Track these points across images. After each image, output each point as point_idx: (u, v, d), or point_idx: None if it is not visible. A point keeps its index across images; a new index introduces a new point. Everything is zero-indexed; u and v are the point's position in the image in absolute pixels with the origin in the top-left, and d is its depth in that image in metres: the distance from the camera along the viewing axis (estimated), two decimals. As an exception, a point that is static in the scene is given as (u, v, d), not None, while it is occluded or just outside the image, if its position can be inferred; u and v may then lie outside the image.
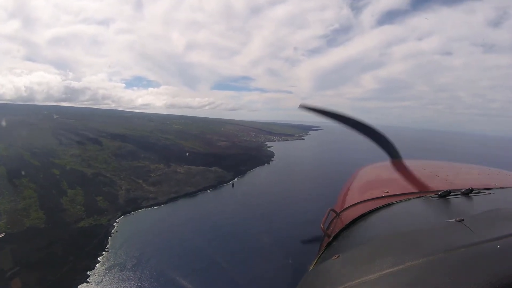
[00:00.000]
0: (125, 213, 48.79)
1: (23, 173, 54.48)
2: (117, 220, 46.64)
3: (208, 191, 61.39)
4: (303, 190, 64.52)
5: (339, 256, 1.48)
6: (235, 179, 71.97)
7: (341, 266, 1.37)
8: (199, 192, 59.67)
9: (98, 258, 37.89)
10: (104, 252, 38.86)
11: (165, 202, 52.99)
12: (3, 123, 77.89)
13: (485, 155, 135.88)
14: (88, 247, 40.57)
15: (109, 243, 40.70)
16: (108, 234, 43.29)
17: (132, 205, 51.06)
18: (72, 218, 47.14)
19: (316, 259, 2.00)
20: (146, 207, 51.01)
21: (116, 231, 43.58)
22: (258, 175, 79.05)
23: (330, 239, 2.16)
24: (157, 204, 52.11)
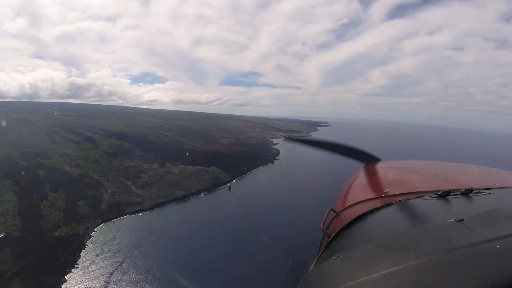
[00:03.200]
0: (106, 220, 44.21)
1: (7, 174, 51.46)
2: (95, 229, 42.12)
3: (201, 195, 55.72)
4: (309, 193, 57.50)
5: (338, 256, 1.46)
6: (234, 181, 65.89)
7: (340, 266, 1.37)
8: (191, 196, 54.14)
9: (66, 276, 33.35)
10: (73, 269, 34.22)
11: (151, 208, 47.96)
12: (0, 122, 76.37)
13: (495, 154, 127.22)
14: (58, 260, 36.21)
15: (81, 257, 36.05)
16: (82, 245, 38.77)
17: (114, 211, 46.43)
18: (48, 225, 43.15)
19: (316, 259, 2.00)
20: (129, 213, 46.21)
21: (91, 242, 38.95)
22: (259, 176, 72.51)
23: (330, 238, 2.15)
24: (142, 210, 47.18)
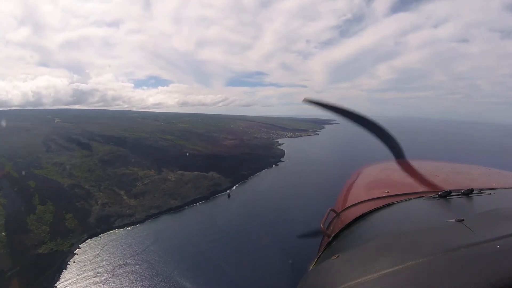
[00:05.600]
0: (93, 235, 40.97)
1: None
2: (80, 246, 38.92)
3: (197, 204, 51.63)
4: (315, 200, 52.27)
5: (338, 256, 1.48)
6: (234, 187, 61.52)
7: (340, 266, 1.38)
8: (186, 206, 50.12)
9: (42, 302, 30.06)
10: (50, 293, 30.94)
11: (142, 221, 44.33)
12: (-2, 131, 75.50)
13: (506, 146, 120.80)
14: (36, 282, 33.11)
15: (60, 279, 32.79)
16: (64, 264, 35.54)
17: (103, 224, 43.13)
18: (33, 241, 40.37)
19: (316, 259, 2.01)
20: (118, 227, 42.77)
21: (74, 261, 35.65)
22: (262, 181, 67.69)
23: (330, 239, 2.16)
24: (132, 224, 43.64)
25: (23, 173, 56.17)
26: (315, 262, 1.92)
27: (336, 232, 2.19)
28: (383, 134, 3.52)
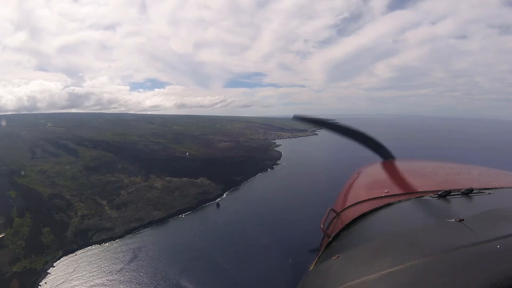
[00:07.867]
0: (69, 252, 38.84)
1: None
2: (54, 264, 36.72)
3: (183, 215, 49.05)
4: (313, 209, 49.39)
5: (339, 256, 1.48)
6: (224, 195, 58.88)
7: (341, 266, 1.38)
8: (170, 218, 47.58)
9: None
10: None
11: (121, 236, 42.01)
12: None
13: (506, 143, 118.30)
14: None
15: (28, 304, 30.64)
16: (36, 286, 33.47)
17: (80, 240, 40.95)
18: (8, 258, 38.40)
19: (316, 259, 2.02)
20: (96, 242, 40.54)
21: (45, 282, 33.48)
22: (255, 188, 64.83)
23: (330, 239, 2.17)
24: (110, 239, 41.35)
25: (4, 182, 54.44)
26: (315, 262, 1.91)
27: (336, 232, 2.18)
28: (366, 140, 3.60)
